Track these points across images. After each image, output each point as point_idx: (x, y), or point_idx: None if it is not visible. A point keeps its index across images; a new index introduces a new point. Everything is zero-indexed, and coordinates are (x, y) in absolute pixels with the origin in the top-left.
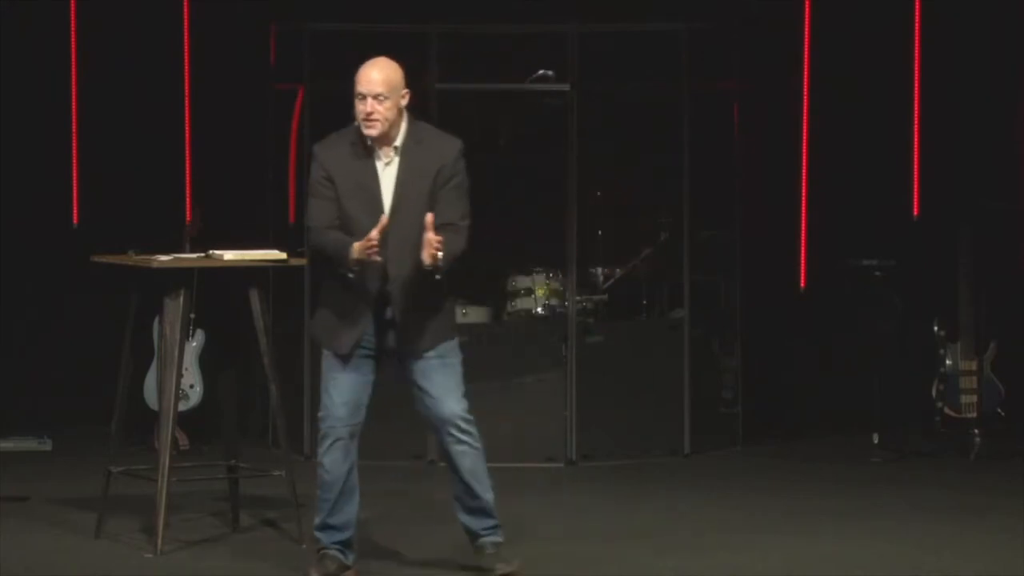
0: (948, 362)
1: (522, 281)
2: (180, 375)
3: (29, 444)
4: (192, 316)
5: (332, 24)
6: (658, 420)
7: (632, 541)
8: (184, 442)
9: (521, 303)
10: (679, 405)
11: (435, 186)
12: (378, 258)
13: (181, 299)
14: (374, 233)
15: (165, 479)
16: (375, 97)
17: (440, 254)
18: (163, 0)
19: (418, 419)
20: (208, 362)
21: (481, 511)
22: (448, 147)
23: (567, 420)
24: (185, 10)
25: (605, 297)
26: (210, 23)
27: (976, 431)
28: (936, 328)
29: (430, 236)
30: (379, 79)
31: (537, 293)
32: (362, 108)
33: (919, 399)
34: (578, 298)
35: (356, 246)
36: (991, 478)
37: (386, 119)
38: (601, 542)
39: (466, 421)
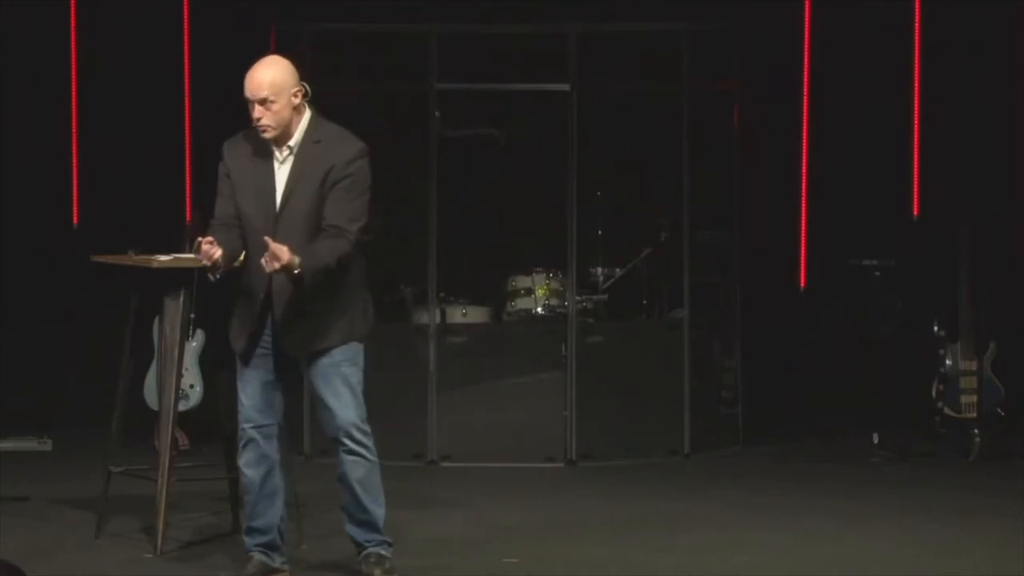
0: (948, 362)
1: (522, 281)
2: (180, 375)
3: (29, 444)
4: (192, 316)
5: (332, 24)
6: (658, 420)
7: (632, 541)
8: (184, 442)
9: (521, 303)
10: (679, 405)
11: (324, 187)
12: (211, 261)
13: (181, 299)
14: (204, 243)
15: (165, 479)
16: (261, 102)
17: (277, 265)
18: (163, 0)
19: (417, 419)
20: (208, 362)
21: (368, 524)
22: (344, 149)
23: (567, 420)
24: (185, 10)
25: (605, 297)
26: (210, 23)
27: (976, 431)
28: (936, 328)
29: (271, 245)
30: (264, 82)
31: (537, 293)
32: (252, 114)
33: (919, 399)
34: (578, 298)
35: (197, 255)
36: (991, 478)
37: (277, 122)
38: (601, 542)
39: (360, 431)
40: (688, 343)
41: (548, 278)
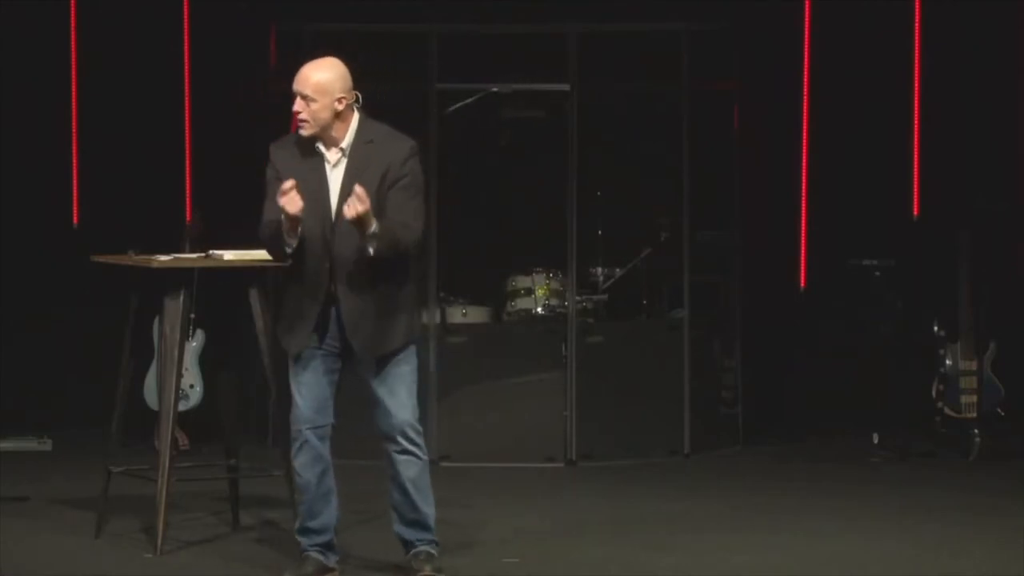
0: (948, 362)
1: (522, 281)
2: (180, 375)
3: (29, 444)
4: (192, 316)
5: (332, 24)
6: (658, 420)
7: (632, 541)
8: (184, 442)
9: (521, 303)
10: (679, 405)
11: (382, 188)
12: (295, 208)
13: (181, 299)
14: (287, 184)
15: (165, 479)
16: (303, 97)
17: (360, 209)
18: (163, 0)
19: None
20: (208, 362)
21: (419, 524)
22: (398, 148)
23: (567, 420)
24: (185, 10)
25: (605, 297)
26: (210, 23)
27: (976, 431)
28: (936, 328)
29: (358, 190)
30: (309, 80)
31: (537, 293)
32: (294, 105)
33: (919, 399)
34: (578, 298)
35: (280, 201)
36: (991, 478)
37: (315, 121)
38: (601, 542)
39: (414, 431)
40: (688, 343)
41: (548, 278)
